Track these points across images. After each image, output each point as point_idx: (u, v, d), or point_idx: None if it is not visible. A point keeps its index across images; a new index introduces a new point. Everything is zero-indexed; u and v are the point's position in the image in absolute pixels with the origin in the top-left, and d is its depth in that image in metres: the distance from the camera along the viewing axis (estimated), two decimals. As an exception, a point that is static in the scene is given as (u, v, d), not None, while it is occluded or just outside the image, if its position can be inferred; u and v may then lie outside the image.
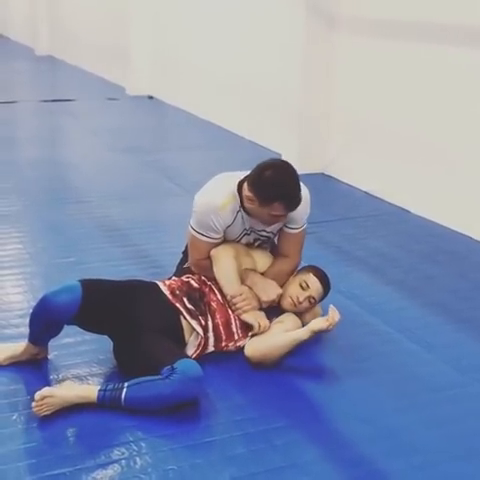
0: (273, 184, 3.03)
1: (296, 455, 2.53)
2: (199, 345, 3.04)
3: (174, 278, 3.34)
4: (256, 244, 3.41)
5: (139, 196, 5.60)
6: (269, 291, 3.22)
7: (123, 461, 2.44)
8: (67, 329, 3.03)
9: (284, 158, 6.46)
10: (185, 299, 3.09)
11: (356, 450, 2.57)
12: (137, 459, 2.45)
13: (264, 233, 3.35)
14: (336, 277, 3.97)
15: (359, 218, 5.23)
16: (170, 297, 3.09)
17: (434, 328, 3.55)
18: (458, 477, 2.46)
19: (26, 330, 2.99)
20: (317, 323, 3.03)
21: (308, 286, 3.26)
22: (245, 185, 3.14)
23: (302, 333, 3.04)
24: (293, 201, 3.07)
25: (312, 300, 3.27)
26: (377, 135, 5.73)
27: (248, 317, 3.12)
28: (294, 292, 3.26)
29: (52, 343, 3.07)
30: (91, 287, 2.90)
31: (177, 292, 3.12)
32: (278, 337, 3.08)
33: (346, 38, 5.99)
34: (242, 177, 3.20)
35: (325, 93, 6.18)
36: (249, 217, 3.22)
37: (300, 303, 3.24)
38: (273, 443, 2.58)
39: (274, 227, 3.32)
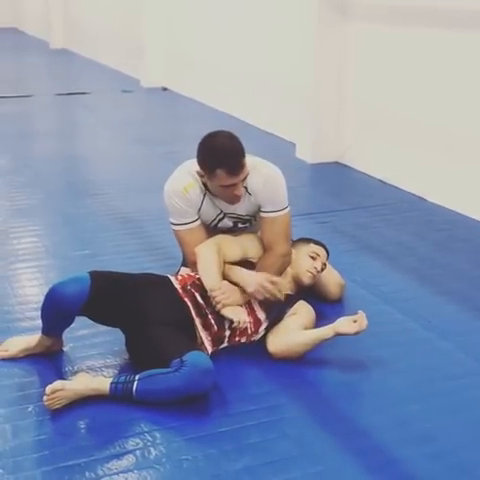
0: (209, 153, 3.11)
1: (310, 444, 2.53)
2: (213, 341, 3.03)
3: (187, 272, 3.33)
4: (239, 226, 3.42)
5: (154, 188, 5.50)
6: (253, 282, 3.08)
7: (137, 451, 2.46)
8: (82, 321, 3.05)
9: (298, 147, 6.46)
10: (197, 294, 3.06)
11: (370, 439, 2.57)
12: (151, 449, 2.47)
13: (237, 216, 3.35)
14: (351, 266, 4.00)
15: (374, 206, 5.20)
16: (180, 291, 3.07)
17: (449, 316, 3.53)
18: (472, 466, 2.45)
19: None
20: (344, 326, 2.98)
21: (318, 254, 3.40)
22: None
23: (326, 332, 3.00)
24: (231, 164, 3.06)
25: (324, 266, 3.42)
26: (391, 123, 5.69)
27: (227, 312, 3.02)
28: (309, 265, 3.35)
29: (67, 335, 3.09)
30: (100, 279, 2.91)
31: (188, 287, 3.09)
32: (302, 335, 3.06)
33: (358, 26, 5.94)
34: None
35: (338, 81, 6.14)
36: (217, 199, 3.27)
37: (319, 272, 3.37)
38: (287, 432, 2.59)
39: (245, 208, 3.31)
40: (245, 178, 3.14)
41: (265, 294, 3.08)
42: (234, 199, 3.20)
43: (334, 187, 5.72)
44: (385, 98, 5.74)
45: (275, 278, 3.12)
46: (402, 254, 4.31)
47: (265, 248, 3.32)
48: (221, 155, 3.07)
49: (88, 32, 13.85)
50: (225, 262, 3.21)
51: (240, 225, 3.43)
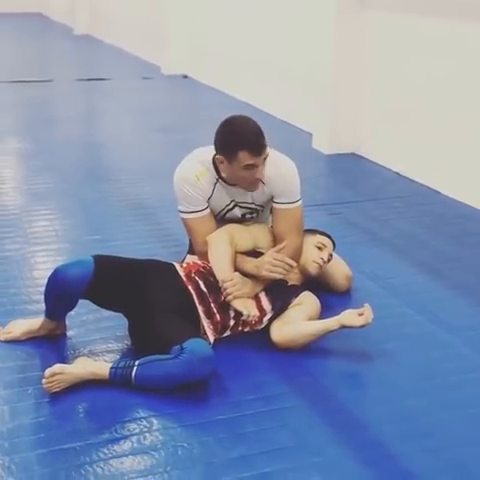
0: (231, 135, 3.08)
1: (307, 435, 2.51)
2: (215, 329, 3.02)
3: (193, 259, 3.32)
4: (247, 217, 3.39)
5: (170, 175, 5.53)
6: (263, 263, 3.09)
7: (133, 437, 2.46)
8: (86, 306, 3.06)
9: (315, 138, 6.43)
10: (201, 282, 3.06)
11: (369, 432, 2.55)
12: (147, 435, 2.47)
13: (248, 205, 3.33)
14: (360, 258, 3.97)
15: (388, 199, 5.16)
16: (184, 279, 3.06)
17: (457, 310, 3.49)
18: (470, 462, 2.42)
19: (47, 306, 3.02)
20: (350, 318, 2.97)
21: (325, 245, 3.39)
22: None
23: (332, 324, 2.99)
24: (255, 145, 3.05)
25: (330, 257, 3.40)
26: (409, 115, 5.63)
27: (237, 304, 2.99)
28: (315, 255, 3.34)
29: (71, 319, 3.10)
30: (104, 263, 2.92)
31: (193, 275, 3.08)
32: (306, 325, 3.04)
33: (379, 16, 5.87)
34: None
35: (357, 73, 6.08)
36: (229, 187, 3.24)
37: (325, 262, 3.36)
38: (284, 422, 2.57)
39: (258, 198, 3.29)
40: (265, 159, 3.11)
41: (277, 269, 3.05)
42: (255, 183, 3.17)
43: (349, 178, 5.68)
44: (403, 90, 5.68)
45: (276, 254, 3.09)
46: (413, 247, 4.27)
47: (276, 240, 3.30)
48: (242, 136, 3.05)
49: (112, 19, 13.88)
50: (237, 252, 3.20)
51: (248, 216, 3.41)
